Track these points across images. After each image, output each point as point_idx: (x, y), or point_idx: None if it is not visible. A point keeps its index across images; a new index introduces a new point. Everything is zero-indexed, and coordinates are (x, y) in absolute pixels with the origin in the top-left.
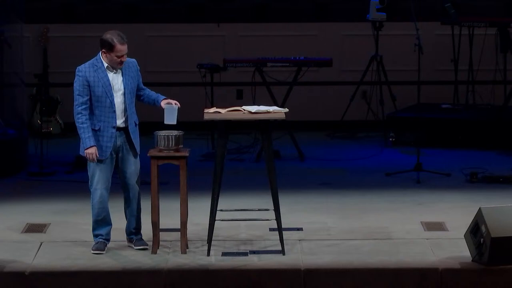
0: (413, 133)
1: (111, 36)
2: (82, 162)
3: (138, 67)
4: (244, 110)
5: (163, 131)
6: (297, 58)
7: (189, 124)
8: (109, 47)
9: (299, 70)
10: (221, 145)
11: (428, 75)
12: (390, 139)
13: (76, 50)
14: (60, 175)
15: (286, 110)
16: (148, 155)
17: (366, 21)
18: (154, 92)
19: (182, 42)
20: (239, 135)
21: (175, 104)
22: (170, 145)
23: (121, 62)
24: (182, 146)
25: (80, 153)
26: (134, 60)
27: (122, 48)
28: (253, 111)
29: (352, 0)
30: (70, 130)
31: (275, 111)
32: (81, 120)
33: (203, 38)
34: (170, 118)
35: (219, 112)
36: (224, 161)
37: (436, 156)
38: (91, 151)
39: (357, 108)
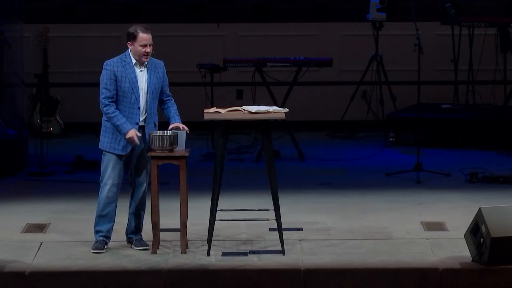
0: (413, 133)
1: (134, 27)
2: (82, 162)
3: (165, 69)
4: (244, 110)
5: (158, 131)
6: (297, 58)
7: (189, 124)
8: (132, 37)
9: (299, 70)
10: (221, 145)
11: (428, 75)
12: (390, 139)
13: (76, 50)
14: (60, 175)
15: (286, 110)
16: (148, 155)
17: (366, 21)
18: (175, 109)
19: (182, 42)
20: (239, 135)
21: (183, 128)
22: (165, 145)
23: (147, 54)
24: (176, 146)
25: (100, 147)
26: (161, 61)
27: (144, 36)
28: (253, 111)
29: (352, 0)
30: (70, 130)
31: (275, 111)
32: (111, 110)
33: (203, 38)
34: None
35: (219, 112)
36: (224, 161)
37: (436, 156)
38: (131, 134)
39: (357, 108)
